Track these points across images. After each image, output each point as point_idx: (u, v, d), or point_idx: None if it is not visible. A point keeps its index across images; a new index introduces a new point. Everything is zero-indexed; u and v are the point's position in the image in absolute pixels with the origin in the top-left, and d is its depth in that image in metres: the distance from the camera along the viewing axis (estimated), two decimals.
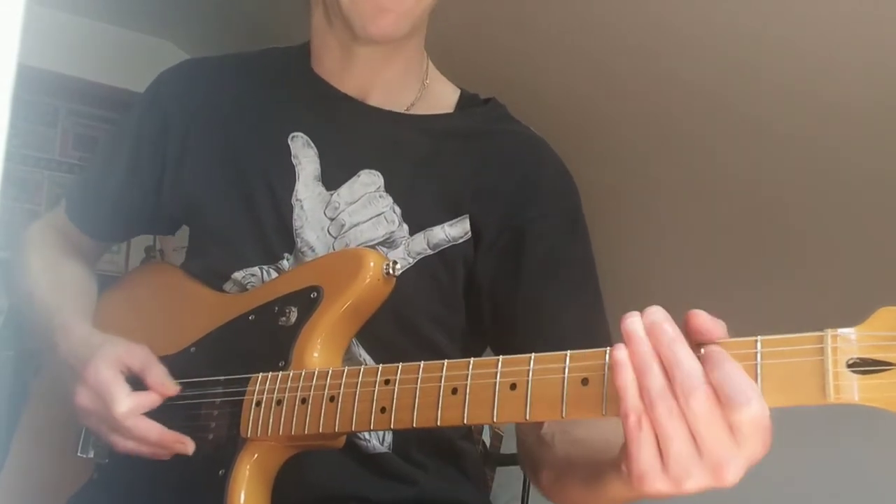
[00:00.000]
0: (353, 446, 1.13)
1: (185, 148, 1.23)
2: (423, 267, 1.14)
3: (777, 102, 1.91)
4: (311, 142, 1.19)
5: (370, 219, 1.15)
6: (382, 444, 1.15)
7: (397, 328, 1.12)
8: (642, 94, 2.10)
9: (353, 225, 1.14)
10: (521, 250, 1.14)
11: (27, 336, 1.31)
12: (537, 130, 1.25)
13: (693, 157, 2.17)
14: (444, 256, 1.14)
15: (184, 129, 1.24)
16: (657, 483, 0.74)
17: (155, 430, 1.04)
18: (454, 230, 1.14)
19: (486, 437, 2.85)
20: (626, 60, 2.03)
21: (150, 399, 1.06)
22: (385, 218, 1.15)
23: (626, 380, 0.74)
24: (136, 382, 1.08)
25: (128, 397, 1.04)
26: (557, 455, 1.00)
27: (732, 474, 0.72)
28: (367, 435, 1.14)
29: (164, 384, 1.07)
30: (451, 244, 1.14)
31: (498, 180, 1.16)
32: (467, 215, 1.15)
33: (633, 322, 0.76)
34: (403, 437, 1.15)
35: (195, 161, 1.23)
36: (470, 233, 1.15)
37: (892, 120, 1.74)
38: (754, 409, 0.70)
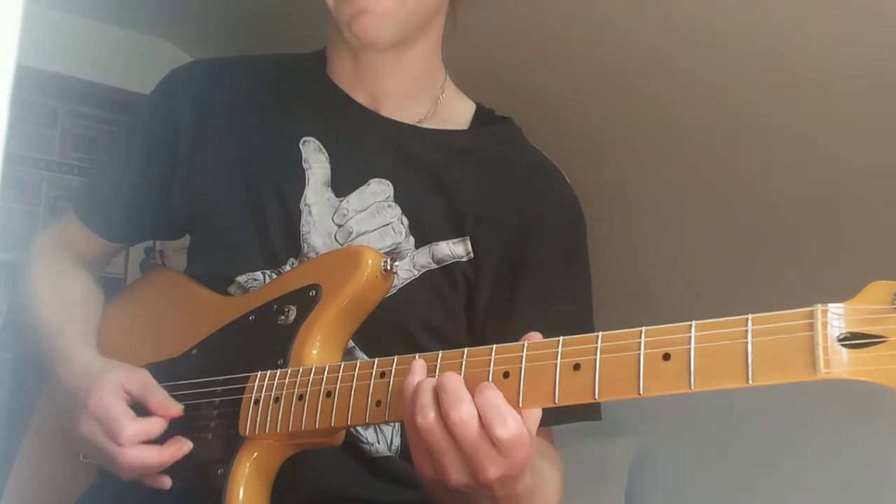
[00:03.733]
0: (357, 450, 1.13)
1: (196, 149, 1.23)
2: (427, 280, 1.14)
3: (787, 101, 1.90)
4: (322, 147, 1.19)
5: (378, 228, 1.15)
6: (390, 449, 1.15)
7: (399, 340, 1.12)
8: (649, 93, 2.10)
9: (361, 233, 1.15)
10: (518, 283, 1.14)
11: (32, 357, 1.30)
12: (539, 132, 1.24)
13: (701, 155, 2.16)
14: (447, 272, 1.14)
15: (195, 130, 1.24)
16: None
17: (153, 453, 1.04)
18: (458, 248, 1.15)
19: None
20: (633, 58, 2.03)
21: (154, 423, 1.05)
22: (392, 228, 1.15)
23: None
24: (140, 408, 1.07)
25: (133, 422, 1.04)
26: None
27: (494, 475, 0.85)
28: (370, 438, 1.14)
29: (166, 406, 1.06)
30: (455, 260, 1.14)
31: (503, 208, 1.16)
32: (469, 237, 1.15)
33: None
34: None
35: (206, 162, 1.22)
36: (472, 253, 1.15)
37: None
38: (511, 429, 0.83)
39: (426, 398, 0.85)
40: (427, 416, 0.84)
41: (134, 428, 1.03)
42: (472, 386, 0.85)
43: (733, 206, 2.23)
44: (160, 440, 1.05)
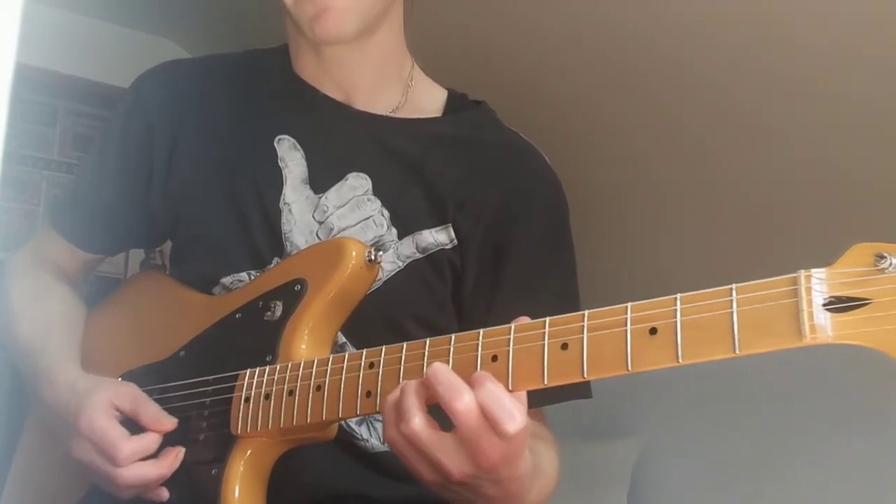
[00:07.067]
0: (352, 447, 1.12)
1: (173, 154, 1.22)
2: (413, 270, 1.13)
3: (786, 101, 1.91)
4: (297, 144, 1.18)
5: (359, 222, 1.14)
6: (384, 443, 1.14)
7: (389, 332, 1.10)
8: (647, 92, 2.10)
9: (342, 229, 1.14)
10: (502, 268, 1.14)
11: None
12: (536, 131, 1.23)
13: (698, 154, 2.16)
14: (433, 260, 1.14)
15: (170, 134, 1.22)
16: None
17: (151, 468, 1.03)
18: (441, 236, 1.14)
19: None
20: (631, 58, 2.03)
21: (150, 439, 1.04)
22: (374, 222, 1.14)
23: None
24: (131, 423, 1.06)
25: (128, 442, 1.03)
26: None
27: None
28: (363, 434, 1.13)
29: (160, 420, 1.05)
30: (439, 248, 1.14)
31: (484, 192, 1.15)
32: (451, 224, 1.14)
33: None
34: None
35: (183, 165, 1.21)
36: (456, 240, 1.14)
37: None
38: (519, 422, 0.81)
39: (408, 402, 0.84)
40: (410, 423, 0.83)
41: (130, 447, 1.02)
42: (462, 371, 0.84)
43: (732, 206, 2.23)
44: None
